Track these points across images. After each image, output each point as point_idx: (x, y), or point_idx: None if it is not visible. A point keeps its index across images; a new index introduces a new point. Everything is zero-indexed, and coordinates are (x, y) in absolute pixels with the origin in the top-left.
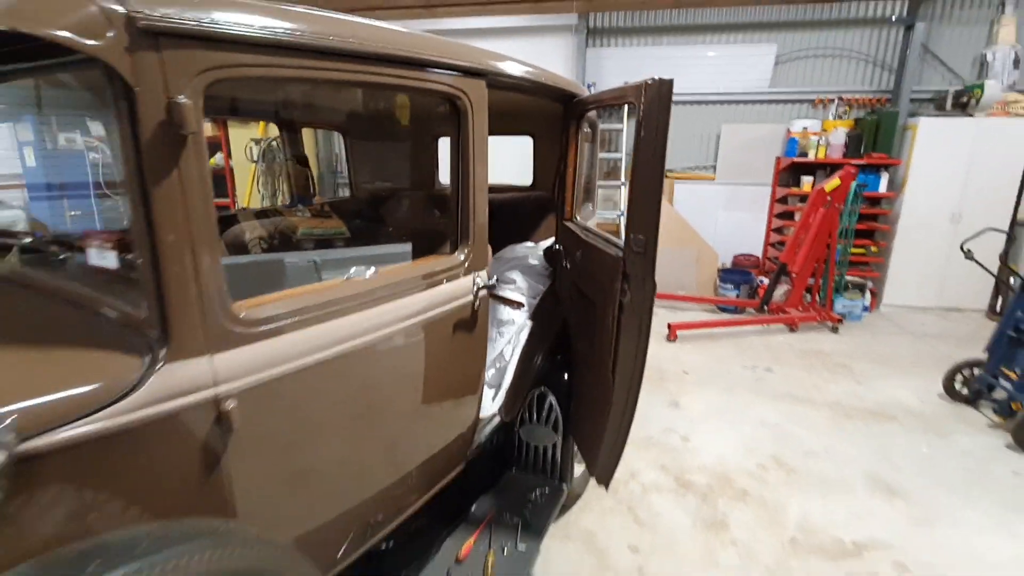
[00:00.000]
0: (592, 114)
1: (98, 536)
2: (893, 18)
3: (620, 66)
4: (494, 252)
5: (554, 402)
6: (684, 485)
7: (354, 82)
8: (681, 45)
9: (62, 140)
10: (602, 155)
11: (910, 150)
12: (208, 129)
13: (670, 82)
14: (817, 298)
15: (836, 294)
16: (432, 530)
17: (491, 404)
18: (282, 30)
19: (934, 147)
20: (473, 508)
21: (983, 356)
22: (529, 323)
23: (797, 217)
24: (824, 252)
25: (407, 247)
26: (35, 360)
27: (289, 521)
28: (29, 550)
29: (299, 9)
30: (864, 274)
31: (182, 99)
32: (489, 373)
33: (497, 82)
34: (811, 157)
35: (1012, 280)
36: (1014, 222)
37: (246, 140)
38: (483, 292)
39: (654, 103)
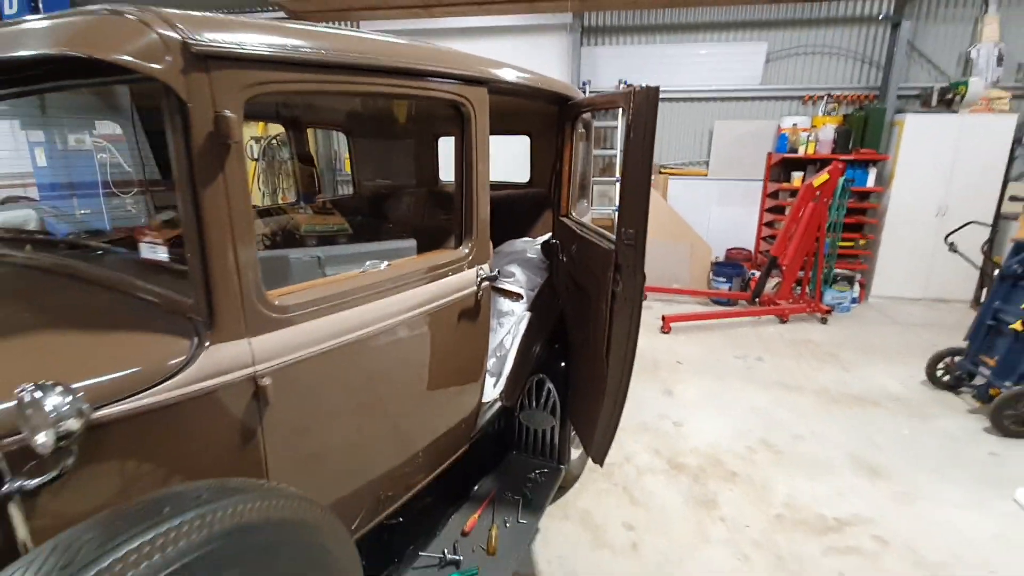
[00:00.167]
0: (586, 115)
1: (163, 488)
2: (880, 16)
3: (614, 64)
4: (493, 247)
5: (552, 388)
6: (676, 467)
7: (372, 93)
8: (674, 43)
9: (72, 141)
10: (597, 152)
11: (897, 146)
12: None
13: (656, 89)
14: (807, 290)
15: (825, 286)
16: (439, 508)
17: (492, 390)
18: (310, 49)
19: (920, 143)
20: (477, 487)
21: (964, 345)
22: (528, 314)
23: (788, 211)
24: (814, 245)
25: (412, 242)
26: (97, 342)
27: (312, 489)
28: (103, 501)
29: (324, 29)
30: (853, 267)
31: (227, 112)
32: (490, 361)
33: (497, 88)
34: (801, 153)
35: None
36: (997, 215)
37: (246, 139)
38: (485, 283)
39: (642, 108)
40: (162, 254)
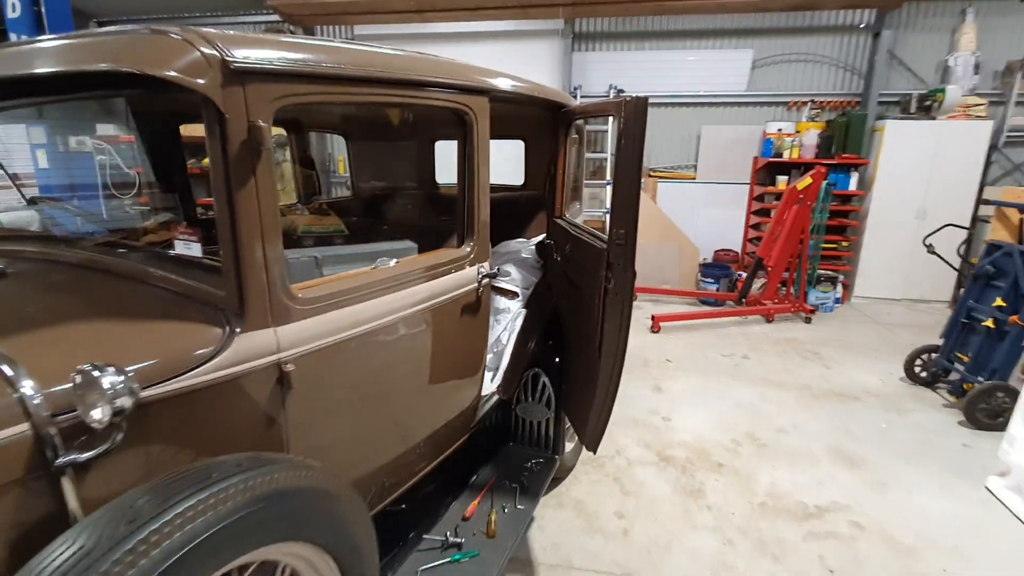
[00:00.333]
0: (579, 121)
1: (206, 459)
2: (862, 25)
3: (604, 69)
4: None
5: (547, 382)
6: (665, 459)
7: (385, 103)
8: (663, 50)
9: (73, 143)
10: (589, 155)
11: (878, 150)
12: None
13: (645, 99)
14: (792, 291)
15: (809, 287)
16: (441, 495)
17: (490, 384)
18: (332, 64)
19: (900, 148)
20: (476, 476)
21: (940, 342)
22: (523, 311)
23: (773, 214)
24: (798, 247)
25: (412, 244)
26: (138, 331)
27: None
28: (142, 474)
29: (344, 45)
30: (836, 268)
31: (260, 122)
32: (488, 357)
33: (497, 97)
34: (786, 157)
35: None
36: (974, 218)
37: None
38: (485, 280)
39: (632, 117)
40: (196, 250)
